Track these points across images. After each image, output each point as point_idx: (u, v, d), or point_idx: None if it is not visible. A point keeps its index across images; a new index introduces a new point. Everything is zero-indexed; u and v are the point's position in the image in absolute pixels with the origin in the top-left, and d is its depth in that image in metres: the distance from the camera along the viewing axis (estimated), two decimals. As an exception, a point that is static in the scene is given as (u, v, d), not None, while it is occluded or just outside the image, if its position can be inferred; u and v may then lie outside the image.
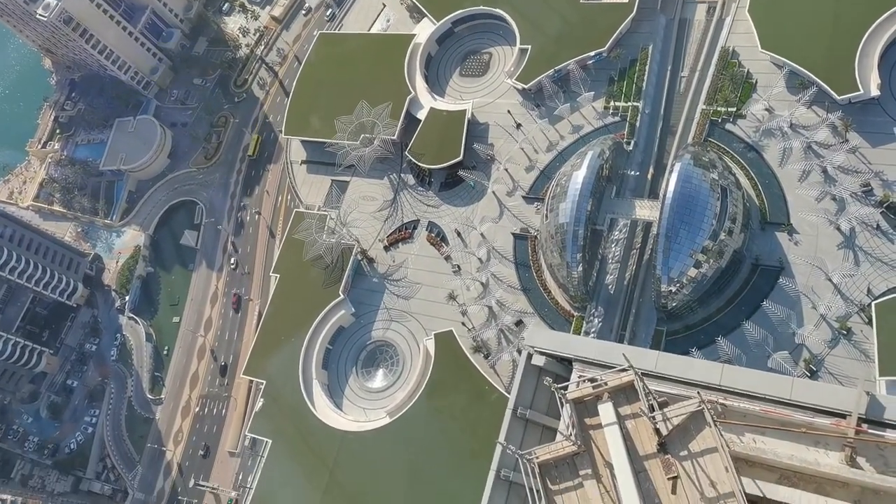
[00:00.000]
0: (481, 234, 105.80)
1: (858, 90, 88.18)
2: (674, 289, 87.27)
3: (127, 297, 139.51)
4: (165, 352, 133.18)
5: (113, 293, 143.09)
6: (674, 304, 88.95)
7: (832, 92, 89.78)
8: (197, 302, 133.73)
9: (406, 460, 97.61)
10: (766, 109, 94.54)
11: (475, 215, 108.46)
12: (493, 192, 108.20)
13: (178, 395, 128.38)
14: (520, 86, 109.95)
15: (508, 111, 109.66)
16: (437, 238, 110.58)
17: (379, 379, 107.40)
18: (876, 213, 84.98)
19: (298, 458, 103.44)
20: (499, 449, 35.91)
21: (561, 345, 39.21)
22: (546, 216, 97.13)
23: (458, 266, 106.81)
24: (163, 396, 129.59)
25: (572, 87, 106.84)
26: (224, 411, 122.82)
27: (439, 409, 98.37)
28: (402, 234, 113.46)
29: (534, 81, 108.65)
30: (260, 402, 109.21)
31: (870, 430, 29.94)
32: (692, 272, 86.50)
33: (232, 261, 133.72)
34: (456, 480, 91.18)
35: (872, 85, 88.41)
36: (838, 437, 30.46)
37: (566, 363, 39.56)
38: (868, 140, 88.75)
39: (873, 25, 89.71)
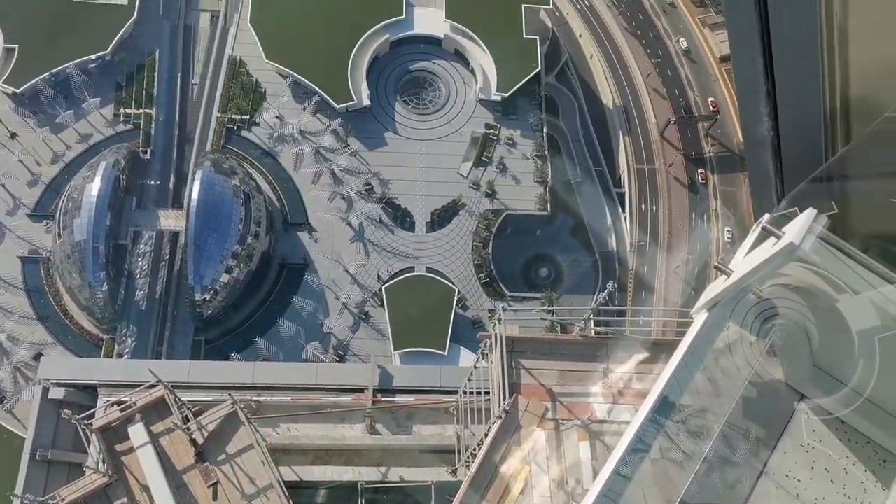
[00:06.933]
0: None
1: (353, 100, 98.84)
2: (208, 296, 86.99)
3: None
4: None
5: None
6: (210, 312, 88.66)
7: (332, 101, 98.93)
8: None
9: None
10: (277, 117, 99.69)
11: None
12: None
13: None
14: (9, 90, 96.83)
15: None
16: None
17: None
18: (377, 208, 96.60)
19: None
20: (16, 502, 31.60)
21: (82, 371, 36.14)
22: (59, 235, 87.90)
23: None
24: None
25: (75, 92, 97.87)
26: None
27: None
28: None
29: (27, 85, 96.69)
30: None
31: (383, 399, 34.16)
32: (224, 278, 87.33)
33: None
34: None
35: (364, 95, 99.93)
36: (359, 409, 34.07)
37: (92, 390, 36.55)
38: (366, 144, 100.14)
39: (358, 43, 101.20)
